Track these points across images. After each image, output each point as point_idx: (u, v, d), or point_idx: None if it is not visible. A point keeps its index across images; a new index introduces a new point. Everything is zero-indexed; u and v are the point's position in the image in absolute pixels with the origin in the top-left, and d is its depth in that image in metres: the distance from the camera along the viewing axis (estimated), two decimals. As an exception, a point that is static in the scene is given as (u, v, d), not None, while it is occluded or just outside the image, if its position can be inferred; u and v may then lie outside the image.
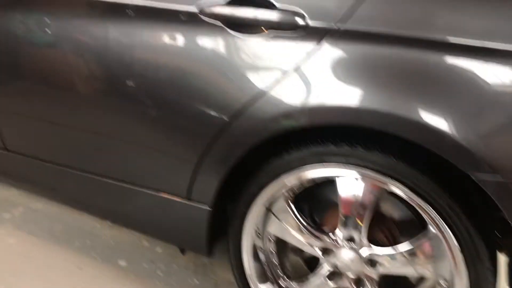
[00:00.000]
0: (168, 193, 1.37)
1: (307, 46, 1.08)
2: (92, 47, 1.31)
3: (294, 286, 1.36)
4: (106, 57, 1.29)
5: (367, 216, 1.16)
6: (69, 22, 1.35)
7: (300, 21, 1.07)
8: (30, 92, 1.49)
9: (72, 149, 1.50)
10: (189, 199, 1.32)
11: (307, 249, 1.28)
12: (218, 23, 1.14)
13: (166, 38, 1.22)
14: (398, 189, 1.09)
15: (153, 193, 1.40)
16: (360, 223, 1.17)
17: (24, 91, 1.50)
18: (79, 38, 1.34)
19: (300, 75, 1.09)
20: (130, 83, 1.27)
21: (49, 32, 1.37)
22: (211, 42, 1.16)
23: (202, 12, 1.15)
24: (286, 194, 1.24)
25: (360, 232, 1.18)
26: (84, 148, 1.48)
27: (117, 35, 1.26)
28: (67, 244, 1.75)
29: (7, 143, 1.58)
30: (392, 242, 1.20)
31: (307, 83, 1.09)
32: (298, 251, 1.38)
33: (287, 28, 1.08)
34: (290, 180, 1.19)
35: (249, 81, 1.13)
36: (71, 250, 1.72)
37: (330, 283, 1.28)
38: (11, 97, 1.53)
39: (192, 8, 1.16)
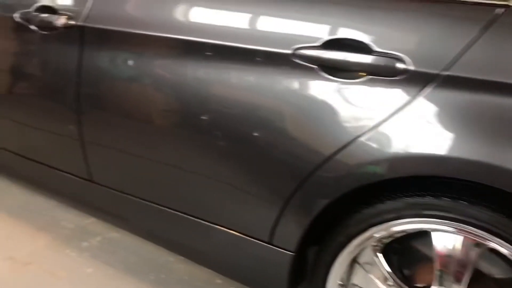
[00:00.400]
0: (249, 234, 1.34)
1: (407, 92, 1.03)
2: (187, 86, 1.32)
3: None
4: (199, 95, 1.30)
5: (467, 274, 1.07)
6: (153, 60, 1.39)
7: (400, 67, 1.03)
8: (115, 125, 1.53)
9: (153, 183, 1.52)
10: (270, 242, 1.29)
11: (395, 304, 1.21)
12: (312, 66, 1.12)
13: (256, 79, 1.21)
14: (502, 247, 1.01)
15: (232, 232, 1.37)
16: (458, 281, 1.08)
17: (110, 124, 1.55)
18: (165, 75, 1.37)
19: (397, 122, 1.04)
20: (218, 122, 1.27)
21: (133, 69, 1.42)
22: (303, 85, 1.14)
23: (295, 54, 1.14)
24: (374, 244, 1.18)
25: (458, 291, 1.09)
26: (164, 183, 1.49)
27: (221, 76, 1.28)
28: (142, 277, 1.76)
29: (94, 175, 1.62)
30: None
31: (403, 130, 1.04)
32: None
33: (385, 74, 1.05)
34: (381, 232, 1.13)
35: (341, 126, 1.10)
36: (145, 283, 1.73)
37: None
38: (99, 129, 1.57)
39: (285, 50, 1.15)
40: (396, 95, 1.04)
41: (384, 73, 1.05)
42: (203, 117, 1.29)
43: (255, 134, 1.21)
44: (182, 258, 1.82)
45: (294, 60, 1.14)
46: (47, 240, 1.94)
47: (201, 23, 1.32)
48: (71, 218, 2.09)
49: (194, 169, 1.38)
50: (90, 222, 2.07)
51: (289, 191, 1.19)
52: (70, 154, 1.67)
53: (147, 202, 1.52)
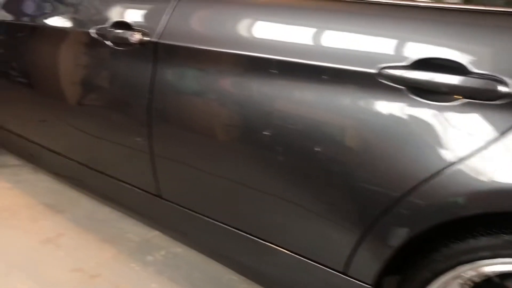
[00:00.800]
0: (321, 262, 1.26)
1: (508, 118, 0.93)
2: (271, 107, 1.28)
3: None
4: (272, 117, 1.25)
5: None
6: (228, 77, 1.36)
7: (502, 90, 0.93)
8: (186, 141, 1.51)
9: (223, 202, 1.48)
10: (345, 273, 1.21)
11: None
12: (399, 86, 1.04)
13: (337, 99, 1.13)
14: None
15: (303, 259, 1.30)
16: None
17: (181, 140, 1.52)
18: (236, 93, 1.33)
19: (495, 151, 0.94)
20: (293, 143, 1.21)
21: (205, 86, 1.40)
22: (389, 107, 1.06)
23: (380, 74, 1.06)
24: (462, 282, 1.07)
25: None
26: (234, 203, 1.44)
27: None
28: (205, 296, 1.73)
29: (162, 191, 1.61)
30: None
31: (501, 161, 0.94)
32: None
33: (484, 97, 0.95)
34: (471, 271, 1.03)
35: (429, 154, 1.01)
36: (208, 303, 1.70)
37: None
38: (169, 145, 1.56)
39: (370, 69, 1.08)
40: (495, 121, 0.94)
41: (482, 96, 0.95)
42: (276, 137, 1.23)
43: (337, 157, 1.14)
44: (246, 278, 1.77)
45: (379, 80, 1.06)
46: (113, 252, 1.95)
47: (284, 41, 1.25)
48: (136, 230, 2.10)
49: (265, 190, 1.33)
50: (154, 236, 2.07)
51: (369, 220, 1.11)
52: (139, 169, 1.67)
53: (217, 222, 1.48)
